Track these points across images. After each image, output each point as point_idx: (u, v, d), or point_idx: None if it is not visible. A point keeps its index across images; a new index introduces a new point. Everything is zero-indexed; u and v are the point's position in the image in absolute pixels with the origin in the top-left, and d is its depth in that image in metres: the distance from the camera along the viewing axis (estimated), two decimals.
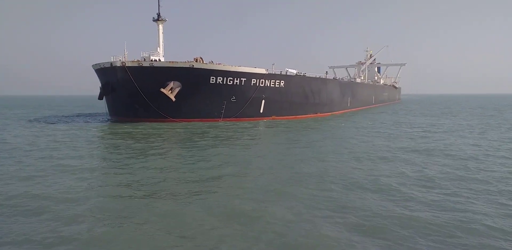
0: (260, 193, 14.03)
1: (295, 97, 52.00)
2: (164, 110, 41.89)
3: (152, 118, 42.32)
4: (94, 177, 16.67)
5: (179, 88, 40.86)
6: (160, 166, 18.85)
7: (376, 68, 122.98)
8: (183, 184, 15.28)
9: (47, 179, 16.30)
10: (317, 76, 60.04)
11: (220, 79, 42.44)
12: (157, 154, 22.42)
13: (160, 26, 49.06)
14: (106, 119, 49.03)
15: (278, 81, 48.09)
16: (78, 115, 58.59)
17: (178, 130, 35.87)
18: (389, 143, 26.99)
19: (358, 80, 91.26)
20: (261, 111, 47.11)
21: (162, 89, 39.57)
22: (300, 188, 14.64)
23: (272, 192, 14.05)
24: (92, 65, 46.63)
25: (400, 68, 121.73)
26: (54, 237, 10.07)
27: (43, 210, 12.24)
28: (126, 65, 40.24)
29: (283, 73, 49.82)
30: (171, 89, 40.21)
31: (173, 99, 40.43)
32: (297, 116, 52.06)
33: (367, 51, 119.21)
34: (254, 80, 44.95)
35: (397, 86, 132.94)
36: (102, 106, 52.16)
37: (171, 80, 40.41)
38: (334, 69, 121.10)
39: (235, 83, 43.51)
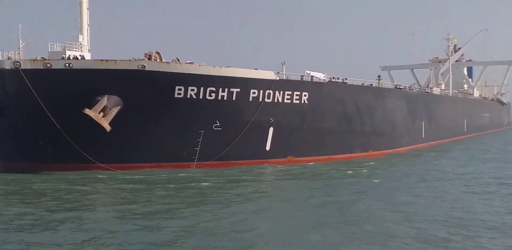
0: None
1: (329, 122, 52.06)
2: (90, 149, 41.21)
3: (69, 164, 41.57)
4: None
5: (118, 108, 40.83)
6: None
7: (465, 69, 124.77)
8: None
9: None
10: (365, 84, 60.46)
11: (193, 90, 42.42)
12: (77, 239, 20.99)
13: None
14: None
15: (298, 93, 47.98)
16: None
17: (114, 186, 35.95)
18: None
19: (436, 90, 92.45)
20: (268, 147, 47.03)
21: (87, 110, 39.34)
22: None
23: None
24: None
25: (508, 69, 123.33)
26: None
27: None
28: (22, 67, 39.98)
29: (306, 79, 50.18)
30: (103, 109, 40.00)
31: (108, 128, 40.16)
32: (332, 156, 51.59)
33: (448, 39, 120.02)
34: (254, 92, 45.09)
35: (504, 100, 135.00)
36: None
37: (104, 94, 40.25)
38: (390, 72, 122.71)
39: (220, 97, 43.47)
